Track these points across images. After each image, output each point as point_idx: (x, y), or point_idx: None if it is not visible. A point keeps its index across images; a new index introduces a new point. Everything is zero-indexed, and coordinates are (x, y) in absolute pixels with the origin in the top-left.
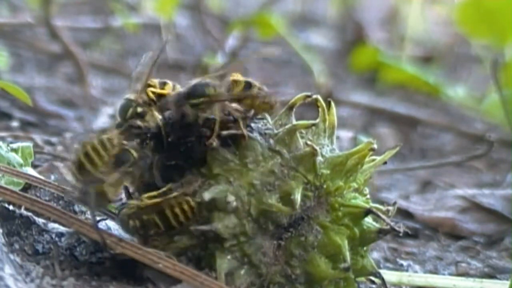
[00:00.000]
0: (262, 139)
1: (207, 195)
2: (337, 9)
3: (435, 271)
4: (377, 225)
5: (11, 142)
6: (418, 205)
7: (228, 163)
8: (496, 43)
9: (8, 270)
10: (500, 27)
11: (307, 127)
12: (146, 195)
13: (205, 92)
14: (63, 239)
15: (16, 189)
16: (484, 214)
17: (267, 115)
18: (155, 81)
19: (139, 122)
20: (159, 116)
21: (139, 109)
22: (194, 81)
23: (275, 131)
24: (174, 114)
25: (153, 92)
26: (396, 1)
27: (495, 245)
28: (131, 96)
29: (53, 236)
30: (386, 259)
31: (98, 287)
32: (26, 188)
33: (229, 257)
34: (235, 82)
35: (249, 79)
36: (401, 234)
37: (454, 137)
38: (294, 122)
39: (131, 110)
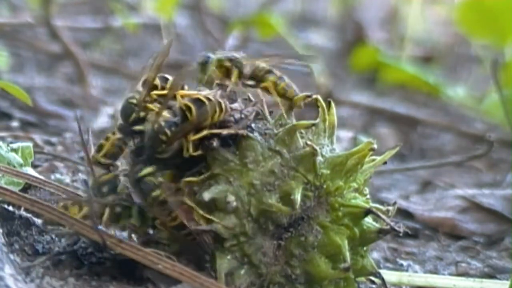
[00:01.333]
0: (262, 139)
1: (207, 195)
2: (337, 9)
3: (435, 271)
4: (377, 225)
5: (11, 142)
6: (418, 205)
7: (228, 163)
8: (496, 43)
9: (8, 270)
10: (500, 27)
11: (307, 127)
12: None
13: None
14: (63, 239)
15: (16, 189)
16: (484, 214)
17: (267, 115)
18: (157, 78)
19: (140, 127)
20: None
21: (142, 114)
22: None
23: (275, 131)
24: None
25: (156, 94)
26: (396, 1)
27: (495, 245)
28: (134, 98)
29: (53, 236)
30: (386, 259)
31: (98, 287)
32: (26, 188)
33: (229, 257)
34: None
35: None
36: (401, 234)
37: (454, 137)
38: (294, 122)
39: (134, 115)
